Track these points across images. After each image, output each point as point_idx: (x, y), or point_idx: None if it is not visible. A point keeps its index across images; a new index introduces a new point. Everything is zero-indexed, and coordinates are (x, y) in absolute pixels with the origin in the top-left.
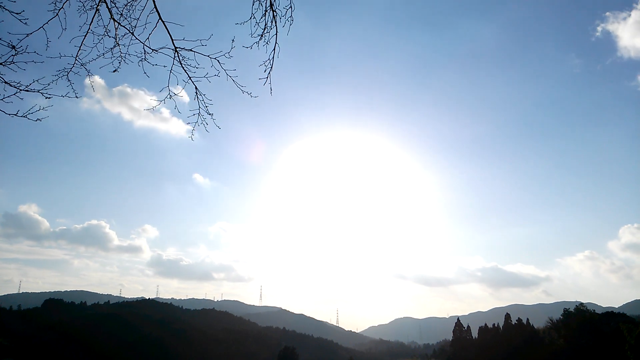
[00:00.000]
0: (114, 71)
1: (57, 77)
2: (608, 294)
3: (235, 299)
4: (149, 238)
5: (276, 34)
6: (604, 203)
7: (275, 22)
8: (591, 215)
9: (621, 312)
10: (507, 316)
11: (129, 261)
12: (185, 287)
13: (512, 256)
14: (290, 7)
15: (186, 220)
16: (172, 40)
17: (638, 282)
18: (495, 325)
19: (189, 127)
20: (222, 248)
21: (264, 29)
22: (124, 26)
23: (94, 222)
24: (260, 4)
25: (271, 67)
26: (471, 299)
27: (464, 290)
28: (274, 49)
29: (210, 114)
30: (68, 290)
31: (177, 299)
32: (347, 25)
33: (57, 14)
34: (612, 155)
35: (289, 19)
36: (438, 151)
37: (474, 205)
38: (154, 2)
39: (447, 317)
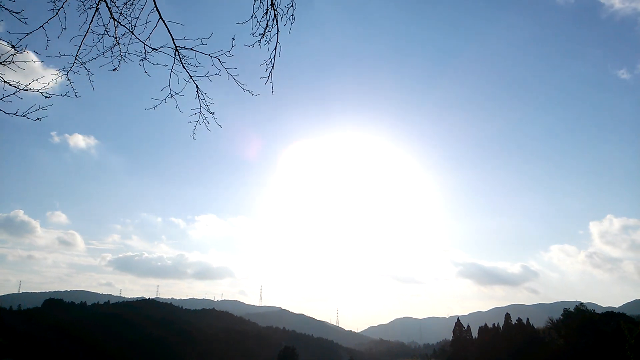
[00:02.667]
0: (113, 70)
1: (57, 76)
2: (608, 293)
3: (235, 299)
4: (61, 225)
5: (277, 33)
6: (576, 196)
7: (277, 21)
8: (562, 209)
9: (621, 312)
10: (507, 316)
11: (70, 254)
12: (153, 284)
13: (492, 252)
14: (292, 5)
15: (97, 205)
16: (173, 39)
17: (625, 275)
18: (495, 325)
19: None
20: (169, 242)
21: (265, 28)
22: (123, 25)
23: (10, 212)
24: (261, 2)
25: (272, 66)
26: (459, 297)
27: (454, 288)
28: (275, 48)
29: (211, 113)
30: (68, 290)
31: (177, 298)
32: (349, 25)
33: (57, 13)
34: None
35: (291, 17)
36: (435, 149)
37: (469, 203)
38: (154, 1)
39: (447, 317)
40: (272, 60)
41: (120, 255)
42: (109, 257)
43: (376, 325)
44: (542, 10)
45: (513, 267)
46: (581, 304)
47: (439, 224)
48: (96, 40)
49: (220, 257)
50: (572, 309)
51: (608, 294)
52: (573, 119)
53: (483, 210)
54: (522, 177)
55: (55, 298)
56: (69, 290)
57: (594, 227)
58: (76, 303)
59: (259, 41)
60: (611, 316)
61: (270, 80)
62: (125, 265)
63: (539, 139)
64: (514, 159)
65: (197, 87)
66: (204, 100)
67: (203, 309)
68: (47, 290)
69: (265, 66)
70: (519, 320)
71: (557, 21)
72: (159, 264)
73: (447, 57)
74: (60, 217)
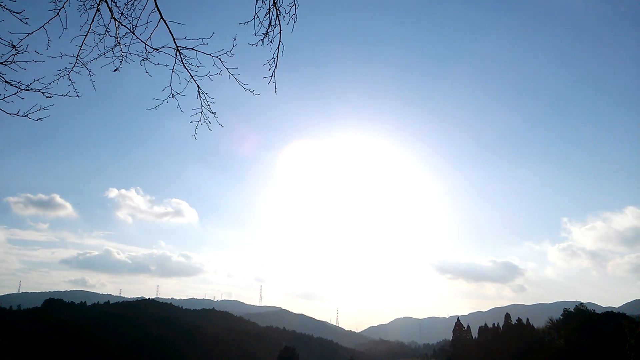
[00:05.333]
0: (115, 70)
1: (58, 76)
2: (607, 293)
3: (235, 299)
4: None
5: (280, 32)
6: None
7: (279, 21)
8: (541, 205)
9: (621, 312)
10: (507, 316)
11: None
12: (119, 281)
13: (479, 250)
14: (294, 4)
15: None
16: (174, 39)
17: (610, 272)
18: (495, 325)
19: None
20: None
21: (268, 27)
22: (124, 25)
23: None
24: (263, 2)
25: (275, 66)
26: (445, 296)
27: (442, 288)
28: (278, 48)
29: (212, 113)
30: (68, 290)
31: (177, 298)
32: (351, 26)
33: (57, 14)
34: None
35: (293, 16)
36: (435, 150)
37: (456, 200)
38: (155, 1)
39: (447, 317)
40: (275, 60)
41: (75, 251)
42: (48, 251)
43: (376, 325)
44: (543, 12)
45: (498, 265)
46: (581, 304)
47: (435, 223)
48: (97, 40)
49: (181, 254)
50: (572, 309)
51: (608, 294)
52: (567, 118)
53: (471, 207)
54: (504, 174)
55: (55, 298)
56: (68, 290)
57: (572, 223)
58: (76, 303)
59: (262, 40)
60: (611, 316)
61: (273, 79)
62: (76, 261)
63: (524, 138)
64: (501, 158)
65: (198, 87)
66: (205, 100)
67: (203, 309)
68: (47, 290)
69: (267, 66)
70: (519, 320)
71: (558, 23)
72: (111, 259)
73: (447, 59)
74: None
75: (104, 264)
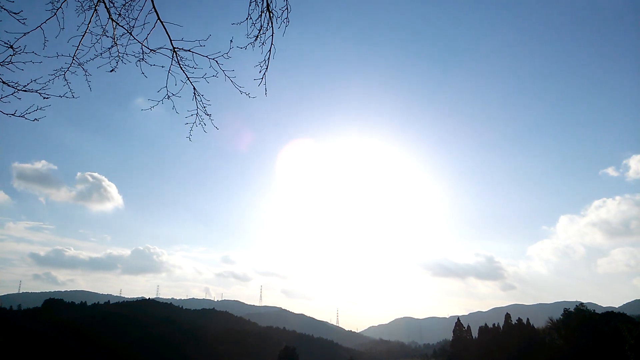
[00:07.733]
0: (111, 71)
1: (54, 76)
2: (608, 293)
3: (235, 299)
4: None
5: (272, 35)
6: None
7: (272, 24)
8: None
9: (621, 312)
10: (507, 316)
11: None
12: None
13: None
14: (287, 8)
15: None
16: (171, 40)
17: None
18: (496, 325)
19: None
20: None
21: (260, 29)
22: (122, 26)
23: None
24: (256, 4)
25: (266, 68)
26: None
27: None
28: (270, 50)
29: (208, 115)
30: (68, 290)
31: (177, 299)
32: (352, 27)
33: (55, 14)
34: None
35: (285, 20)
36: (435, 149)
37: (468, 202)
38: (152, 2)
39: (447, 317)
40: (267, 62)
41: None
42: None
43: (376, 325)
44: (542, 13)
45: (485, 263)
46: (581, 304)
47: (430, 223)
48: (94, 41)
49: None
50: (572, 309)
51: (608, 294)
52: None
53: (464, 205)
54: (495, 173)
55: (55, 298)
56: (68, 290)
57: (564, 221)
58: (76, 303)
59: (253, 43)
60: (611, 316)
61: (264, 82)
62: (30, 258)
63: (518, 136)
64: (499, 157)
65: (194, 88)
66: (201, 102)
67: (203, 309)
68: (47, 291)
69: (259, 68)
70: (519, 320)
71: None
72: (65, 255)
73: (453, 58)
74: None
75: (61, 261)
